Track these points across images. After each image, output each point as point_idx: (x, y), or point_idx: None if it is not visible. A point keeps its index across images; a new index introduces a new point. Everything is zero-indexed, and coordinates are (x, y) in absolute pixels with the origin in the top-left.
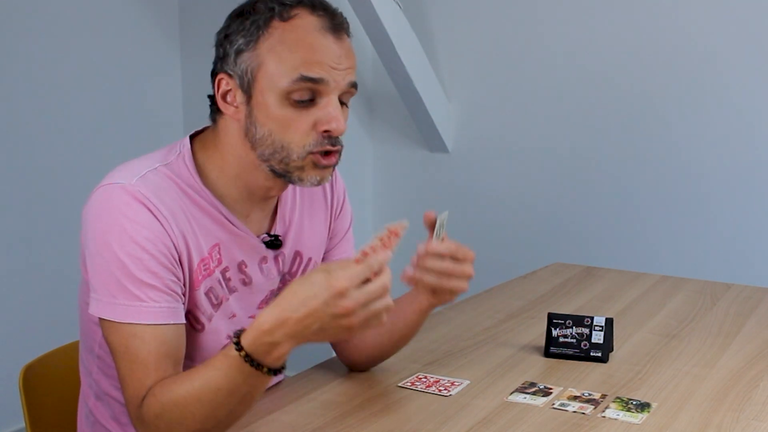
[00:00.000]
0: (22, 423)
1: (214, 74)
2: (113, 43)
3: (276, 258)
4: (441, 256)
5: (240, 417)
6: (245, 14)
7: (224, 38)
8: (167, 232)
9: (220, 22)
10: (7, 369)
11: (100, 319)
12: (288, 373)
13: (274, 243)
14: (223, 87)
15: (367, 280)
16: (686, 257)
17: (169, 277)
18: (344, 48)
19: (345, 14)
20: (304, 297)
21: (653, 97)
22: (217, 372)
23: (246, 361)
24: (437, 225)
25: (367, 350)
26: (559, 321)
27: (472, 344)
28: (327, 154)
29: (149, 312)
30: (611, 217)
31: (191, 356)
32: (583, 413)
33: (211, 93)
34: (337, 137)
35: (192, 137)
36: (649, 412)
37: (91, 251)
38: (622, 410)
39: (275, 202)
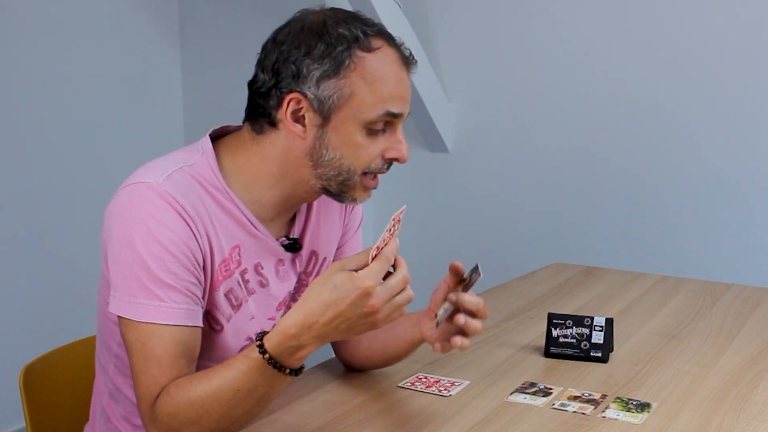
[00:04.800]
0: (22, 423)
1: (275, 89)
2: (113, 44)
3: (293, 260)
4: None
5: (255, 417)
6: (321, 35)
7: (301, 56)
8: (193, 233)
9: (220, 23)
10: (7, 369)
11: (118, 317)
12: None
13: (294, 246)
14: (294, 106)
15: (386, 275)
16: (686, 257)
17: (190, 279)
18: (410, 82)
19: None
20: (329, 300)
21: (653, 97)
22: (236, 373)
23: (269, 363)
24: (469, 278)
25: (360, 357)
26: (559, 321)
27: (472, 344)
28: (374, 176)
29: (169, 312)
30: (611, 217)
31: (209, 357)
32: (583, 413)
33: (260, 102)
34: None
35: (213, 137)
36: (649, 412)
37: (114, 249)
38: (622, 410)
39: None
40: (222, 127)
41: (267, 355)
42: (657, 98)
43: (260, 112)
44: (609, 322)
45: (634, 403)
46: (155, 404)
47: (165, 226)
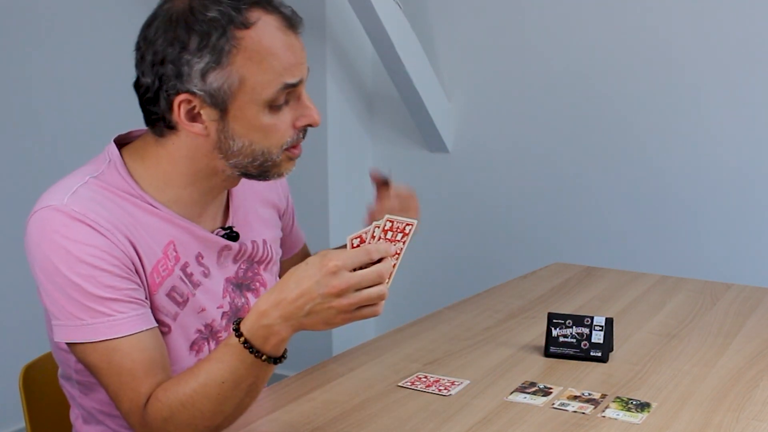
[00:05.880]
0: (22, 423)
1: (161, 92)
2: (114, 44)
3: (238, 248)
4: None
5: (247, 408)
6: (191, 26)
7: (177, 54)
8: (113, 242)
9: None
10: (7, 369)
11: (70, 344)
12: (288, 373)
13: (231, 235)
14: (186, 106)
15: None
16: (686, 257)
17: (128, 287)
18: (301, 41)
19: (345, 14)
20: (298, 276)
21: (654, 97)
22: (219, 364)
23: (246, 347)
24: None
25: None
26: (559, 321)
27: (472, 344)
28: (295, 146)
29: (121, 324)
30: (611, 217)
31: None
32: (583, 413)
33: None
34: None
35: (119, 143)
36: (649, 412)
37: (42, 280)
38: (622, 410)
39: (226, 194)
40: (128, 133)
41: (242, 338)
42: (657, 99)
43: (155, 117)
44: (609, 321)
45: (634, 402)
46: (146, 414)
47: (83, 244)
